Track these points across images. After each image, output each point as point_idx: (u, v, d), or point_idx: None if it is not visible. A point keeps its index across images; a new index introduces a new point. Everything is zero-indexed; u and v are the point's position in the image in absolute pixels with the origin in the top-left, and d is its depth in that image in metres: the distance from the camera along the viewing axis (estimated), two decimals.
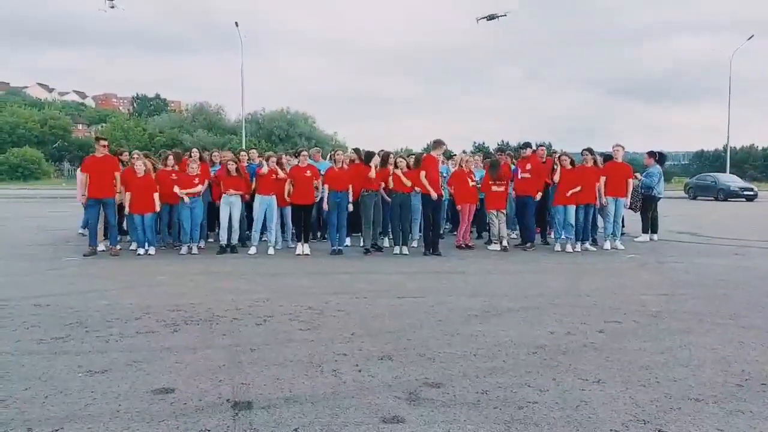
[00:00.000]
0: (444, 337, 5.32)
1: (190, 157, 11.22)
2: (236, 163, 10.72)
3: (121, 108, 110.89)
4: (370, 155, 10.94)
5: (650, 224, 12.90)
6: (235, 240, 10.71)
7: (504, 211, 11.24)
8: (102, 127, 75.96)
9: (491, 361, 4.67)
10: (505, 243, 11.06)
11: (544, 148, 12.65)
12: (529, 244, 11.21)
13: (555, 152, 12.25)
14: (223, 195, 10.55)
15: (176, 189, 10.34)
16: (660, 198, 13.05)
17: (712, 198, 32.86)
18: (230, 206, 10.59)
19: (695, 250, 11.39)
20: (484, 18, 47.63)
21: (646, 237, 12.79)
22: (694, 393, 4.02)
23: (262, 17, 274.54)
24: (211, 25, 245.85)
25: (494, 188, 11.13)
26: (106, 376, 4.28)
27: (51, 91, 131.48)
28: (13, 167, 60.17)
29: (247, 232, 11.70)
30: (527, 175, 10.99)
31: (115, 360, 4.63)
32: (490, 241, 11.59)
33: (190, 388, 4.04)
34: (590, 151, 11.45)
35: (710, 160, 68.33)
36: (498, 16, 47.19)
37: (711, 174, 38.35)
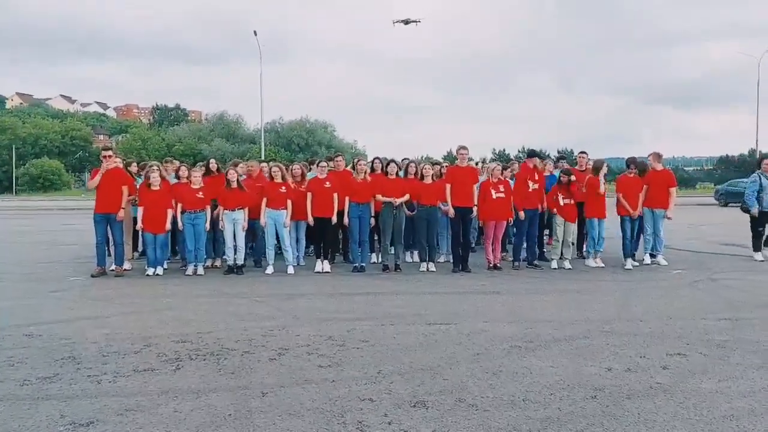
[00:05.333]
0: (485, 376, 4.60)
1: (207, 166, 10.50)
2: (237, 174, 9.74)
3: (142, 118, 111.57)
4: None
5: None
6: (240, 260, 9.75)
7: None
8: (122, 137, 76.42)
9: (544, 409, 3.95)
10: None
11: (584, 154, 11.60)
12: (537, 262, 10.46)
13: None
14: (225, 212, 9.65)
15: (169, 212, 9.60)
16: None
17: None
18: (233, 224, 9.65)
19: (745, 265, 10.50)
20: (400, 21, 51.35)
21: (759, 255, 11.07)
22: None
23: (283, 26, 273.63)
24: (233, 34, 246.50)
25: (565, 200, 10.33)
26: (91, 430, 3.63)
27: (73, 102, 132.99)
28: (34, 178, 60.67)
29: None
30: (536, 186, 10.23)
31: (104, 408, 3.98)
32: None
33: None
34: (634, 162, 10.55)
35: (735, 165, 66.46)
36: (412, 21, 50.94)
37: (743, 180, 36.95)
